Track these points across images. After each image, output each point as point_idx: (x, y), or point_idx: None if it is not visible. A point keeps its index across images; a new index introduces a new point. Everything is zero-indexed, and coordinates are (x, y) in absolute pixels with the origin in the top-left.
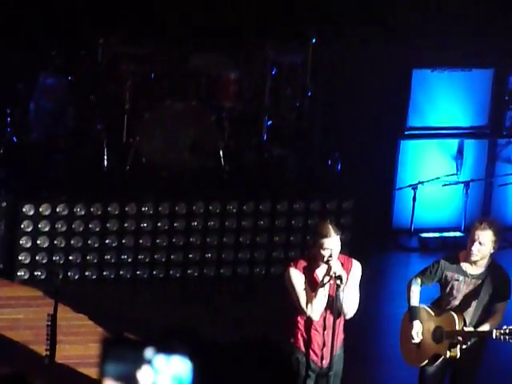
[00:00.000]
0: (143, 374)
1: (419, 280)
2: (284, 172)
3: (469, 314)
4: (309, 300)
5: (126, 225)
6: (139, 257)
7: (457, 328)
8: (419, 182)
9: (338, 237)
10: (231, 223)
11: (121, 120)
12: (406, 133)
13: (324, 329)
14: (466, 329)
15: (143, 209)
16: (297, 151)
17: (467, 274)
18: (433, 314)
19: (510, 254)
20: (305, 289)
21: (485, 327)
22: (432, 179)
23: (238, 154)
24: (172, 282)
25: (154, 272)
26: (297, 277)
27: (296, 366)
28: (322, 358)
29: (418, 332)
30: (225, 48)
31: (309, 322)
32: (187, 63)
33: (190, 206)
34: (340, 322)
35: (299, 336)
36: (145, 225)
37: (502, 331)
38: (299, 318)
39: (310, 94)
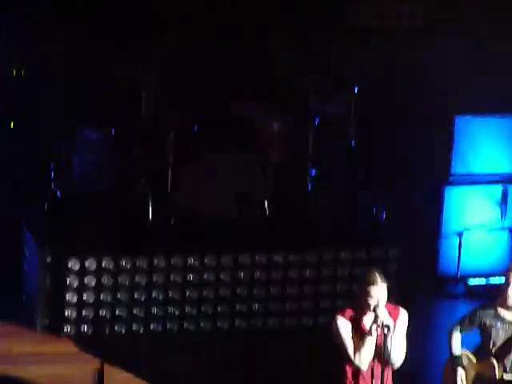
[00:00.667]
0: None
1: (459, 328)
2: (329, 221)
3: (510, 360)
4: (356, 349)
5: (171, 278)
6: (186, 309)
7: (496, 375)
8: (465, 229)
9: (385, 285)
10: (277, 274)
11: (165, 172)
12: (450, 179)
13: (372, 378)
14: (505, 376)
15: (189, 261)
16: (341, 200)
17: (505, 320)
18: (474, 360)
19: None
20: (352, 338)
21: None
22: (477, 225)
23: (283, 204)
24: (220, 335)
25: (202, 325)
26: (344, 326)
27: None
28: None
29: (462, 379)
30: (268, 98)
31: (357, 371)
32: (230, 113)
33: (237, 258)
34: (388, 372)
35: None
36: (191, 277)
37: None
38: (347, 368)
39: (352, 143)
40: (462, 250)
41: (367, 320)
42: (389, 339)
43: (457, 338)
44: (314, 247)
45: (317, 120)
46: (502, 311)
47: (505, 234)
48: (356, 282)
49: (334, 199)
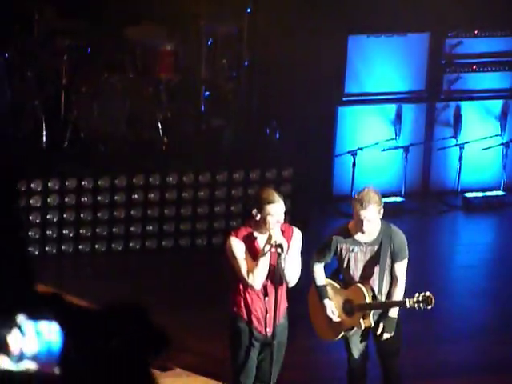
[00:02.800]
0: (13, 338)
1: (318, 258)
2: (222, 142)
3: (374, 282)
4: (250, 269)
5: (66, 200)
6: (80, 231)
7: (367, 300)
8: (358, 148)
9: (283, 203)
10: (172, 195)
11: (58, 95)
12: (343, 99)
13: (266, 296)
14: (380, 298)
15: (83, 183)
16: (235, 121)
17: (361, 243)
18: (339, 287)
19: (451, 217)
20: (246, 258)
21: (394, 294)
22: (371, 144)
23: (176, 125)
24: (114, 256)
25: (96, 246)
26: (237, 246)
27: (239, 335)
28: (265, 327)
29: (332, 310)
30: (159, 19)
31: (251, 290)
32: (122, 36)
33: (130, 179)
34: (282, 290)
35: (242, 305)
36: (85, 199)
37: (415, 299)
38: (241, 287)
39: (246, 63)
40: (356, 170)
41: (261, 240)
42: (282, 259)
43: (318, 268)
44: (208, 168)
45: (210, 41)
46: (356, 235)
47: (399, 153)
48: (250, 202)
49: (227, 120)
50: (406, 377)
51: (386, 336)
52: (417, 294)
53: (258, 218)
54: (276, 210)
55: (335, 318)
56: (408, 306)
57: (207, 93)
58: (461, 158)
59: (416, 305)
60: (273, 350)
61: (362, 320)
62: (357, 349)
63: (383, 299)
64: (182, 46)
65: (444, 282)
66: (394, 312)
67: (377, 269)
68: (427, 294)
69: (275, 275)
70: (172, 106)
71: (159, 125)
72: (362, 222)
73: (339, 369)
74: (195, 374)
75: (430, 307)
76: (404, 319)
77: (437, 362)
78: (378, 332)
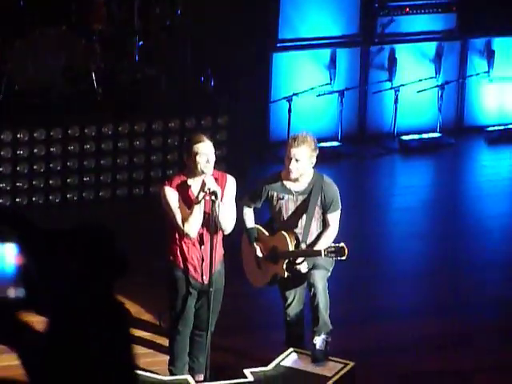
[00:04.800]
0: None
1: (248, 203)
2: (157, 91)
3: (300, 230)
4: (185, 217)
5: (1, 153)
6: (17, 184)
7: (289, 248)
8: (294, 94)
9: (212, 144)
10: (107, 145)
11: None
12: (277, 45)
13: (202, 244)
14: (303, 246)
15: (19, 136)
16: (169, 70)
17: (292, 191)
18: (267, 234)
19: (388, 161)
20: (180, 206)
21: (321, 242)
22: (306, 90)
23: (110, 76)
24: (52, 208)
25: (34, 199)
26: (171, 194)
27: (176, 284)
28: (202, 274)
29: (260, 252)
30: None
31: (186, 238)
32: None
33: (66, 131)
34: (218, 238)
35: (178, 254)
36: (21, 152)
37: (328, 249)
38: (177, 236)
39: (179, 12)
40: (292, 115)
41: (195, 186)
42: (216, 206)
43: (248, 213)
44: (144, 118)
45: None
46: (287, 183)
47: (334, 98)
48: (184, 148)
49: (161, 69)
50: (348, 321)
51: (293, 276)
52: (332, 244)
53: (189, 161)
54: (203, 148)
55: (263, 260)
56: (323, 255)
57: (141, 42)
58: (396, 100)
59: (330, 255)
60: (210, 297)
61: (285, 267)
62: (291, 295)
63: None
64: None
65: (382, 225)
66: (313, 257)
67: (304, 219)
68: (341, 244)
69: (210, 223)
70: (106, 56)
71: (93, 76)
72: (290, 160)
73: (277, 315)
74: (135, 324)
75: (343, 258)
76: (344, 264)
77: (378, 305)
78: (288, 270)
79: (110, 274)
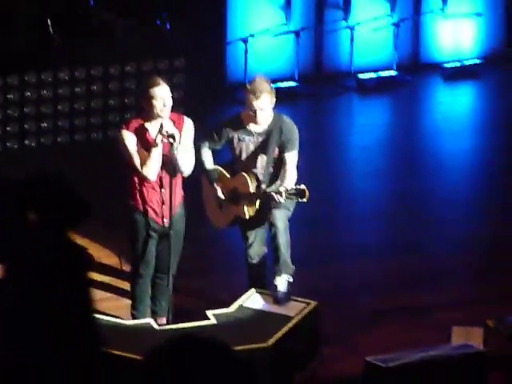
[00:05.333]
0: None
1: (207, 143)
2: (114, 36)
3: (261, 172)
4: (143, 161)
5: None
6: None
7: (250, 189)
8: (250, 35)
9: (168, 87)
10: (64, 91)
11: None
12: None
13: (161, 187)
14: (264, 187)
15: None
16: (125, 14)
17: (252, 132)
18: (228, 175)
19: (345, 99)
20: (138, 150)
21: (281, 183)
22: (262, 31)
23: (66, 22)
24: (10, 154)
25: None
26: (129, 137)
27: (136, 227)
28: (162, 217)
29: (221, 192)
30: None
31: (146, 182)
32: None
33: (22, 77)
34: (177, 181)
35: (137, 197)
36: None
37: (289, 191)
38: (136, 180)
39: None
40: (248, 56)
41: (152, 130)
42: (175, 149)
43: (207, 153)
44: (100, 62)
45: None
46: (248, 125)
47: (290, 38)
48: (140, 91)
49: (117, 13)
50: (310, 260)
51: (254, 217)
52: (293, 186)
53: (145, 105)
54: (159, 92)
55: (224, 201)
56: (284, 197)
57: None
58: (352, 39)
59: (291, 196)
60: (170, 240)
61: (246, 208)
62: (251, 235)
63: (267, 189)
64: None
65: (341, 164)
66: (273, 198)
67: (265, 159)
68: (302, 186)
69: (169, 166)
70: (60, 2)
71: (49, 21)
72: (255, 111)
73: (239, 256)
74: (96, 269)
75: (304, 200)
76: (304, 203)
77: (339, 244)
78: (249, 211)
79: (69, 220)
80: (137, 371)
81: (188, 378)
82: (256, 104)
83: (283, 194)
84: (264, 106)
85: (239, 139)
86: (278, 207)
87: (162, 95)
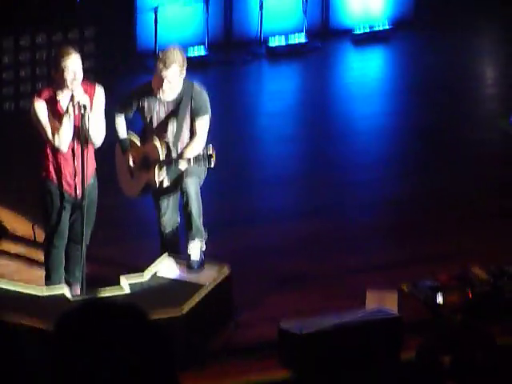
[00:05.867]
0: None
1: (120, 112)
2: (23, 6)
3: (171, 139)
4: (55, 131)
5: None
6: None
7: (160, 156)
8: (160, 4)
9: (79, 57)
10: None
11: None
12: None
13: (74, 158)
14: (165, 157)
15: None
16: None
17: (162, 100)
18: (139, 143)
19: (255, 66)
20: (50, 120)
21: (190, 149)
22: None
23: None
24: None
25: None
26: (40, 108)
27: (49, 198)
28: (75, 188)
29: (134, 160)
30: None
31: (58, 152)
32: None
33: None
34: (89, 151)
35: (50, 168)
36: None
37: (197, 157)
38: (48, 150)
39: None
40: (158, 25)
41: (64, 100)
42: (86, 119)
43: (120, 121)
44: (11, 32)
45: None
46: (158, 91)
47: (200, 6)
48: (52, 61)
49: None
50: (222, 226)
51: (164, 184)
52: (201, 152)
53: (56, 75)
54: (70, 64)
55: (135, 168)
56: (192, 163)
57: None
58: (261, 6)
59: (198, 162)
60: (83, 210)
61: (156, 175)
62: (164, 203)
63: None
64: None
65: (252, 130)
66: (182, 164)
67: (175, 126)
68: (209, 152)
69: (80, 136)
70: None
71: None
72: (162, 80)
73: (152, 224)
74: (10, 240)
75: (212, 166)
76: (216, 170)
77: (252, 209)
78: (159, 177)
79: None
80: (49, 341)
81: (101, 344)
82: (164, 73)
83: (191, 159)
84: (171, 77)
85: (149, 107)
86: (189, 175)
87: (72, 68)
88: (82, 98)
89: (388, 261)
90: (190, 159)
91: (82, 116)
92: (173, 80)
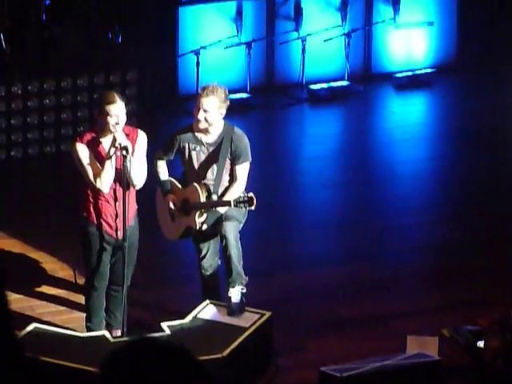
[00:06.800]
0: None
1: (161, 155)
2: (66, 49)
3: (211, 183)
4: (97, 173)
5: None
6: None
7: (201, 199)
8: (201, 47)
9: (123, 104)
10: (17, 105)
11: None
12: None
13: (115, 200)
14: (214, 198)
15: None
16: (77, 27)
17: (202, 142)
18: (180, 186)
19: (297, 110)
20: (92, 162)
21: (230, 193)
22: (214, 43)
23: (18, 35)
24: None
25: None
26: (82, 150)
27: (90, 240)
28: (116, 230)
29: (173, 203)
30: None
31: (99, 194)
32: None
33: None
34: (130, 193)
35: (91, 209)
36: None
37: (238, 199)
38: (89, 192)
39: None
40: (200, 68)
41: (106, 142)
42: (128, 161)
43: (161, 165)
44: (52, 75)
45: None
46: (199, 134)
47: (242, 50)
48: (95, 105)
49: (69, 27)
50: (263, 271)
51: (204, 227)
52: (242, 195)
53: (99, 118)
54: (114, 110)
55: (175, 211)
56: (233, 205)
57: (48, 1)
58: (304, 50)
59: (239, 205)
60: (124, 252)
61: (196, 219)
62: (205, 247)
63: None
64: None
65: (294, 175)
66: (222, 208)
67: (215, 170)
68: (250, 194)
69: (122, 178)
70: (13, 16)
71: (1, 36)
72: (198, 110)
73: (193, 267)
74: (50, 282)
75: (252, 208)
76: (256, 214)
77: (293, 254)
78: (200, 220)
79: None
80: (92, 382)
81: (146, 382)
82: (202, 101)
83: (232, 202)
84: (209, 106)
85: (190, 149)
86: (229, 219)
87: (116, 113)
88: (124, 140)
89: (428, 305)
90: (230, 201)
91: (124, 158)
92: (209, 110)
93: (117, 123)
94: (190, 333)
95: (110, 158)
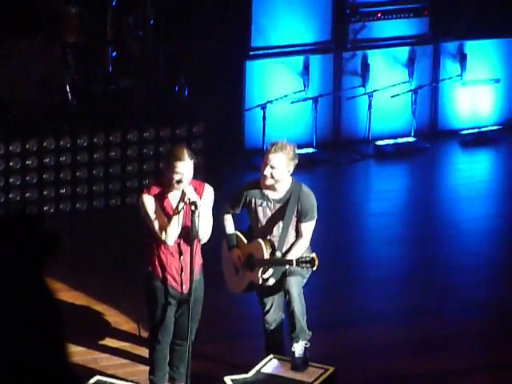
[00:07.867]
0: None
1: (228, 209)
2: (132, 102)
3: (277, 239)
4: (163, 226)
5: None
6: None
7: (265, 256)
8: (268, 102)
9: (192, 161)
10: (83, 157)
11: None
12: (250, 53)
13: (180, 254)
14: (278, 254)
15: None
16: (143, 80)
17: (269, 198)
18: (245, 241)
19: (363, 166)
20: (158, 215)
21: (294, 251)
22: (280, 97)
23: (84, 87)
24: (27, 220)
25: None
26: (149, 203)
27: (155, 293)
28: (181, 284)
29: (240, 257)
30: None
31: (164, 247)
32: (27, 1)
33: (41, 143)
34: (196, 247)
35: (156, 263)
36: None
37: (300, 259)
38: (155, 246)
39: (152, 22)
40: (266, 123)
41: (172, 196)
42: (196, 216)
43: (227, 218)
44: (119, 128)
45: (114, 1)
46: (266, 190)
47: (308, 105)
48: (162, 159)
49: (135, 79)
50: (327, 326)
51: (270, 282)
52: (304, 255)
53: (166, 171)
54: (181, 168)
55: (239, 266)
56: (294, 265)
57: (114, 53)
58: (370, 106)
59: (301, 265)
60: (189, 306)
61: (260, 275)
62: (269, 302)
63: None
64: (86, 8)
65: (358, 231)
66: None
67: (280, 227)
68: (312, 255)
69: (189, 232)
70: (80, 68)
71: (68, 88)
72: (265, 165)
73: (257, 322)
74: (114, 335)
75: (314, 268)
76: (321, 270)
77: (357, 309)
78: (265, 276)
79: (40, 255)
80: None
81: None
82: (269, 157)
83: (294, 261)
84: (276, 163)
85: (256, 204)
86: (293, 274)
87: (182, 171)
88: (193, 196)
89: (492, 363)
90: (292, 261)
91: (192, 213)
92: (276, 167)
93: (181, 180)
94: None
95: (178, 212)
